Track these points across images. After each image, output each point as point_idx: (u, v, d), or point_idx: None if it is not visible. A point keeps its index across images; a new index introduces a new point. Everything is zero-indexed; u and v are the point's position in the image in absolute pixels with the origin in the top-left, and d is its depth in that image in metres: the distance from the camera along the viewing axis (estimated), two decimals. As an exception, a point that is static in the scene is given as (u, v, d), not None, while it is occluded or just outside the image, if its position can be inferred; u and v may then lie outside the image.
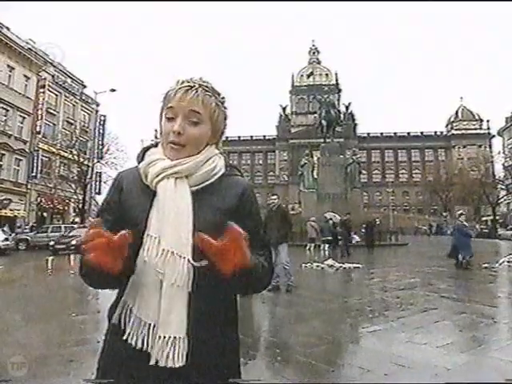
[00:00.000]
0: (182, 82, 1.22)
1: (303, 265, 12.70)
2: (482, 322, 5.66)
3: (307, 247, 17.59)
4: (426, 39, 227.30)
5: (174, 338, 1.08)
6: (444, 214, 62.24)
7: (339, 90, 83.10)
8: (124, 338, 1.10)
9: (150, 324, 1.09)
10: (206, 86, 1.22)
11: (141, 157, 1.26)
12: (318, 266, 12.89)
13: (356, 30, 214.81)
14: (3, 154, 33.53)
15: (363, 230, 24.10)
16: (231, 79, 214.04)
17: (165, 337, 1.08)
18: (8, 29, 34.30)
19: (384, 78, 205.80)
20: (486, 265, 12.83)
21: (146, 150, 1.29)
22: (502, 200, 55.05)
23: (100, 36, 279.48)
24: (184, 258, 1.10)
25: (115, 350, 1.14)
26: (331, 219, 19.99)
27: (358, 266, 12.98)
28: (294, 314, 6.65)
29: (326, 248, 17.98)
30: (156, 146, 1.28)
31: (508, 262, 13.06)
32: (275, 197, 8.99)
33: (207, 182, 1.21)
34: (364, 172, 59.36)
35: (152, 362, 1.07)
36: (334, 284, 10.24)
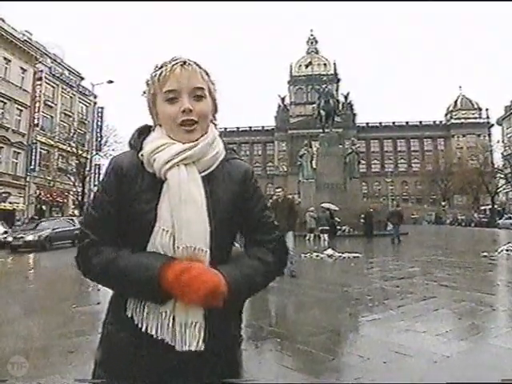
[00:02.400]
0: (170, 62, 1.16)
1: (302, 255, 12.71)
2: (480, 310, 5.68)
3: (306, 237, 17.63)
4: (425, 29, 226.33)
5: (191, 322, 1.07)
6: (443, 203, 62.39)
7: (338, 80, 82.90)
8: (142, 328, 1.07)
9: (165, 312, 1.07)
10: (195, 62, 1.18)
11: (139, 143, 1.18)
12: (317, 256, 12.91)
13: (354, 19, 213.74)
14: (1, 147, 33.43)
15: (362, 220, 24.10)
16: (230, 70, 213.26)
17: (185, 323, 1.07)
18: (3, 20, 33.99)
19: (382, 68, 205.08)
20: (484, 253, 12.86)
21: (141, 132, 1.21)
22: (500, 189, 55.12)
23: (100, 32, 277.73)
24: (204, 250, 1.08)
25: (124, 341, 1.11)
26: (328, 209, 20.03)
27: (357, 255, 13.00)
28: (293, 303, 6.67)
29: (326, 238, 18.01)
30: (144, 131, 1.21)
31: (507, 250, 13.08)
32: (280, 189, 9.62)
33: (212, 168, 1.16)
34: (363, 162, 59.24)
35: (178, 348, 1.06)
36: (333, 273, 10.26)
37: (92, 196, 1.20)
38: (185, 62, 1.16)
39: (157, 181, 1.12)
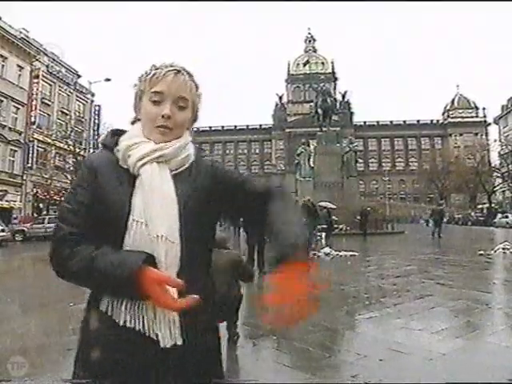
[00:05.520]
0: (166, 66, 1.22)
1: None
2: (476, 308, 5.71)
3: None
4: (423, 28, 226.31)
5: (172, 317, 1.10)
6: (440, 202, 62.50)
7: (335, 79, 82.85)
8: (120, 323, 1.08)
9: (143, 306, 1.08)
10: (189, 72, 1.25)
11: (112, 142, 1.23)
12: (314, 254, 12.93)
13: (352, 17, 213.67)
14: (-2, 145, 33.34)
15: (358, 219, 24.13)
16: (227, 68, 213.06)
17: (167, 317, 1.09)
18: (0, 18, 33.86)
19: (380, 67, 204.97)
20: (481, 252, 12.91)
21: (115, 133, 1.27)
22: (497, 188, 55.27)
23: (97, 30, 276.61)
24: (174, 243, 1.12)
25: (105, 337, 1.11)
26: (326, 208, 20.03)
27: (354, 253, 13.03)
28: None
29: (323, 236, 18.00)
30: (118, 133, 1.27)
31: (503, 249, 13.13)
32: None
33: (183, 167, 1.22)
34: (360, 160, 59.32)
35: (161, 342, 1.08)
36: (330, 271, 10.28)
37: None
38: (179, 71, 1.22)
39: (130, 176, 1.17)
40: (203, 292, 1.13)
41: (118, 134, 1.26)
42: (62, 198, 38.76)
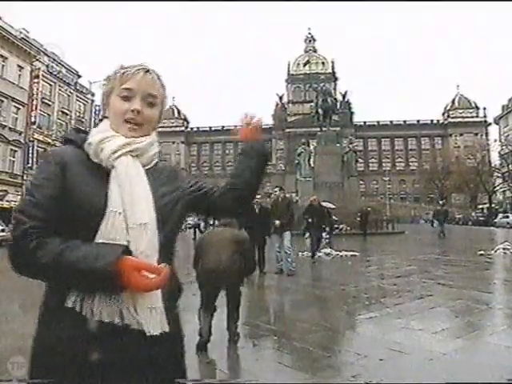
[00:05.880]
0: (135, 66, 1.25)
1: (300, 253, 12.74)
2: (477, 308, 5.71)
3: (304, 236, 17.62)
4: (423, 28, 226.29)
5: (155, 307, 1.10)
6: (440, 202, 62.40)
7: (336, 79, 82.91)
8: (95, 318, 1.06)
9: (119, 298, 1.07)
10: (157, 72, 1.29)
11: (79, 137, 1.23)
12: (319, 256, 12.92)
13: (352, 17, 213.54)
14: (-2, 145, 33.35)
15: (358, 219, 24.14)
16: (227, 68, 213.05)
17: (148, 307, 1.09)
18: (0, 18, 33.86)
19: (380, 67, 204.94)
20: (481, 252, 12.91)
21: (78, 130, 1.29)
22: (498, 188, 55.26)
23: (97, 30, 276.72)
24: (155, 231, 1.14)
25: (73, 335, 1.07)
26: (326, 208, 20.01)
27: (354, 253, 13.03)
28: (291, 301, 6.69)
29: (324, 236, 17.99)
30: (81, 130, 1.29)
31: (503, 249, 13.13)
32: (277, 189, 9.74)
33: (150, 165, 1.25)
34: (361, 160, 59.40)
35: (151, 332, 1.08)
36: (330, 272, 10.28)
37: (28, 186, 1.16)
38: (148, 70, 1.26)
39: (102, 170, 1.16)
40: (172, 283, 1.16)
41: (81, 131, 1.29)
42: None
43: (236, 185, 1.41)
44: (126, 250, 1.06)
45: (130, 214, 1.11)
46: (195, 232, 21.70)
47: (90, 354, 1.06)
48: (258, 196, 9.09)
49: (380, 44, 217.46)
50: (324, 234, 14.42)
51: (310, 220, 12.13)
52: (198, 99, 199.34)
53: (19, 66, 35.44)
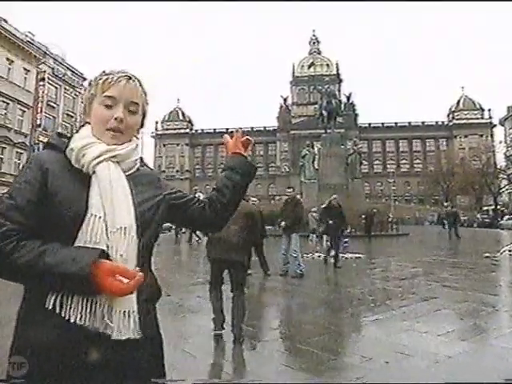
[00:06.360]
0: (118, 72, 1.26)
1: (305, 255, 12.73)
2: (482, 311, 5.68)
3: (309, 238, 17.61)
4: (428, 29, 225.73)
5: (129, 311, 1.11)
6: (445, 203, 62.15)
7: (340, 81, 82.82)
8: (71, 320, 1.05)
9: (97, 302, 1.08)
10: (139, 79, 1.30)
11: (61, 142, 1.24)
12: (319, 257, 12.91)
13: (357, 19, 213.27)
14: (4, 148, 33.53)
15: (363, 221, 24.09)
16: (232, 70, 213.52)
17: (121, 311, 1.09)
18: (6, 21, 34.09)
19: (384, 69, 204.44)
20: (487, 254, 12.85)
21: (61, 135, 1.29)
22: (503, 189, 54.99)
23: (102, 31, 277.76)
24: (134, 236, 1.15)
25: (47, 337, 1.07)
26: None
27: (359, 255, 13.00)
28: (296, 303, 6.68)
29: (328, 238, 17.96)
30: (63, 135, 1.29)
31: (509, 251, 13.06)
32: (291, 190, 9.73)
33: (131, 171, 1.26)
34: (365, 162, 59.24)
35: (115, 336, 1.08)
36: (335, 274, 10.26)
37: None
38: (130, 78, 1.26)
39: (83, 175, 1.17)
40: (150, 287, 1.20)
41: (63, 136, 1.29)
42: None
43: (217, 200, 1.43)
44: (103, 254, 1.07)
45: (110, 218, 1.12)
46: (177, 234, 20.81)
47: (66, 356, 1.07)
48: (254, 199, 9.05)
49: (380, 44, 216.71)
50: (345, 240, 13.99)
51: (329, 221, 11.33)
52: (197, 99, 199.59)
53: (25, 68, 35.65)
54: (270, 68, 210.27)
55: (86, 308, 1.07)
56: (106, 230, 1.11)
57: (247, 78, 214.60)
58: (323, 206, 12.30)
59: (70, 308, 1.07)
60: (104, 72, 1.27)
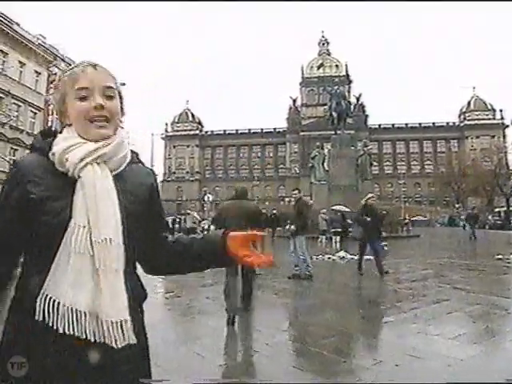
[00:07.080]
0: (82, 63, 1.21)
1: (314, 256, 12.68)
2: (495, 313, 5.62)
3: (319, 239, 17.58)
4: (439, 29, 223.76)
5: (121, 320, 1.07)
6: (456, 205, 61.72)
7: (350, 82, 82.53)
8: (59, 330, 1.02)
9: (85, 312, 1.04)
10: (105, 67, 1.23)
11: (45, 144, 1.17)
12: (329, 258, 12.87)
13: (368, 19, 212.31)
14: (16, 149, 33.85)
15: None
16: (241, 71, 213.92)
17: (112, 321, 1.05)
18: (18, 24, 34.49)
19: (395, 69, 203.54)
20: (499, 256, 12.70)
21: (43, 134, 1.23)
22: (515, 191, 54.39)
23: (107, 32, 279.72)
24: (120, 245, 1.10)
25: (41, 347, 1.05)
26: (340, 211, 19.99)
27: (369, 257, 12.91)
28: (305, 305, 6.66)
29: (338, 240, 17.93)
30: (48, 134, 1.23)
31: (522, 253, 12.92)
32: (296, 191, 9.54)
33: (121, 168, 1.19)
34: (375, 164, 58.79)
35: (117, 345, 1.06)
36: (345, 276, 10.21)
37: None
38: (96, 65, 1.20)
39: (68, 180, 1.11)
40: (137, 291, 1.19)
41: (48, 134, 1.22)
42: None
43: (177, 257, 1.32)
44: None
45: (95, 228, 1.07)
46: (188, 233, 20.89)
47: (51, 357, 1.05)
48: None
49: (380, 44, 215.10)
50: (384, 243, 12.26)
51: (367, 223, 10.06)
52: (197, 99, 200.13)
53: (36, 71, 36.02)
54: (269, 68, 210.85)
55: (74, 317, 1.03)
56: (91, 239, 1.06)
57: (247, 78, 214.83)
58: (361, 204, 10.79)
59: (58, 318, 1.03)
60: (64, 69, 1.22)
